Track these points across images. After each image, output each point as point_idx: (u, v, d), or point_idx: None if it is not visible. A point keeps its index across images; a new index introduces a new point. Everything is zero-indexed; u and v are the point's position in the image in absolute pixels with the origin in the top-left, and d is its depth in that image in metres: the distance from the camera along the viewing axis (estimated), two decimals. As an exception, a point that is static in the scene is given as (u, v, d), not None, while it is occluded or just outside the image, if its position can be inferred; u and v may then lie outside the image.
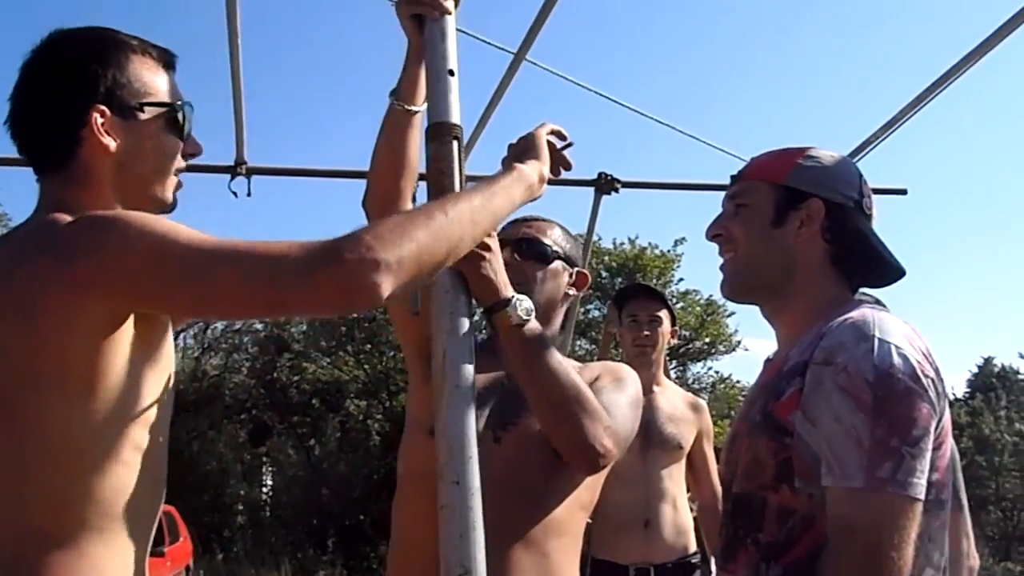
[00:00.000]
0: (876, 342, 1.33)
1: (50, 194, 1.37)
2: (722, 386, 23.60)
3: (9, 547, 1.23)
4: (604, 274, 22.97)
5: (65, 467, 1.24)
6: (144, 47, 1.43)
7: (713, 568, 3.56)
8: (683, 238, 23.09)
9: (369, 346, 21.64)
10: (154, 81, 1.42)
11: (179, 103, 1.44)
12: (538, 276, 1.87)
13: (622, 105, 4.12)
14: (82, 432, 1.24)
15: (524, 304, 1.60)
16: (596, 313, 22.14)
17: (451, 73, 1.46)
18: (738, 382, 23.50)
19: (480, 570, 1.28)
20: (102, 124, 1.34)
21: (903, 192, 4.68)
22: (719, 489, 3.50)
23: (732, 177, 1.66)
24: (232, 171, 4.02)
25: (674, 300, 23.15)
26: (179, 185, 1.49)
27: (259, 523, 21.40)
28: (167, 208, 1.46)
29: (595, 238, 24.67)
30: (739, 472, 1.48)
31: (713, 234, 1.63)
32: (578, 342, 20.25)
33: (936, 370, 1.38)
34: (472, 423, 1.34)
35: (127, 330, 1.26)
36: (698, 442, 3.53)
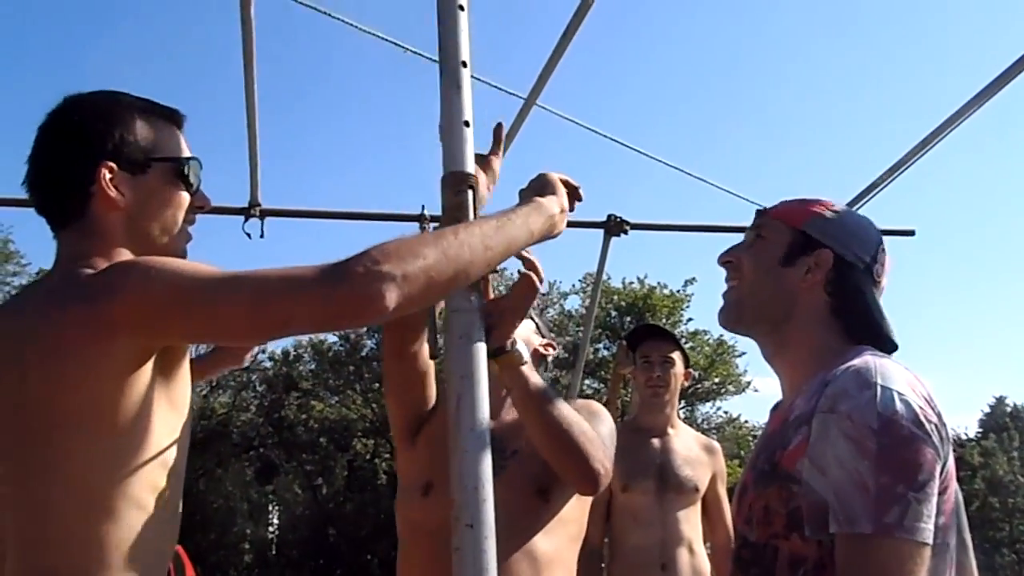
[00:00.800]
0: (879, 389, 1.34)
1: (67, 248, 1.42)
2: (731, 427, 23.51)
3: None
4: (613, 313, 23.01)
5: (86, 507, 1.27)
6: (151, 107, 1.49)
7: None
8: (693, 278, 23.19)
9: (377, 384, 21.65)
10: (160, 138, 1.47)
11: (186, 158, 1.50)
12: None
13: (631, 148, 4.16)
14: (104, 472, 1.27)
15: (522, 346, 1.67)
16: (605, 352, 22.15)
17: (466, 124, 1.50)
18: (747, 422, 23.42)
19: None
20: (111, 179, 1.40)
21: (911, 233, 4.70)
22: (732, 532, 3.50)
23: (757, 211, 1.70)
24: (246, 213, 4.07)
25: (684, 340, 23.08)
26: (189, 237, 1.53)
27: (265, 562, 21.28)
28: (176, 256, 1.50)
29: (604, 277, 24.82)
30: (753, 521, 1.48)
31: (724, 260, 1.66)
32: (586, 381, 20.22)
33: (939, 415, 1.39)
34: (487, 466, 1.36)
35: (148, 371, 1.30)
36: (712, 485, 3.52)
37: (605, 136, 4.06)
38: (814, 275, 1.57)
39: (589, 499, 1.98)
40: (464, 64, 1.50)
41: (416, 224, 4.16)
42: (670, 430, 3.48)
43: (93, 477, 1.27)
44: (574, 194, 1.66)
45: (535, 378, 1.77)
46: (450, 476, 1.37)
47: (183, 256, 1.52)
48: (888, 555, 1.28)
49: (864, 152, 36.16)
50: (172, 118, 1.52)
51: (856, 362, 1.42)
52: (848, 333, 1.57)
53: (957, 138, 3.73)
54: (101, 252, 1.39)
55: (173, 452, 1.37)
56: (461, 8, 1.52)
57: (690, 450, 3.48)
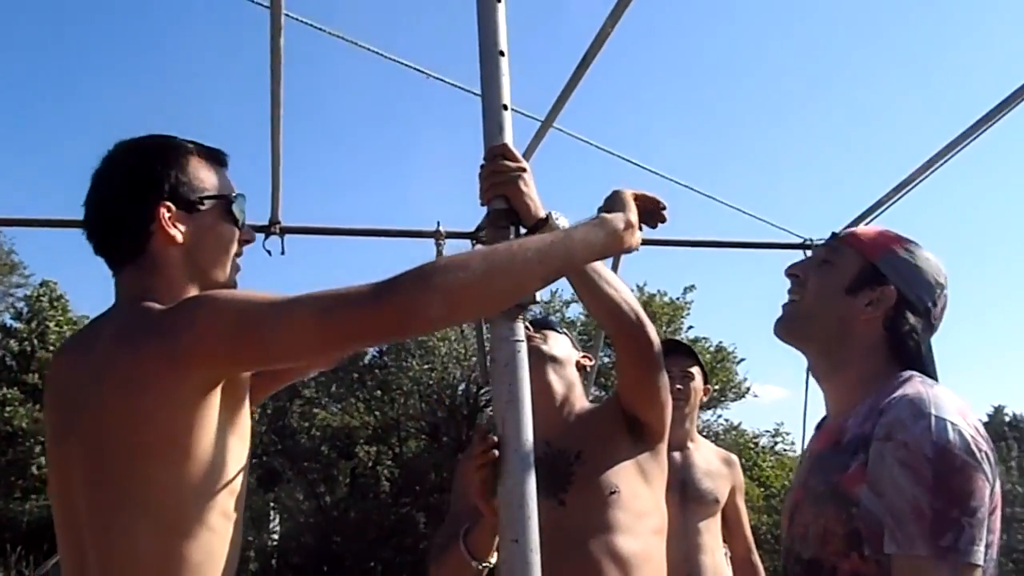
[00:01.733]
0: (933, 419, 1.43)
1: (128, 285, 1.53)
2: (731, 435, 23.53)
3: None
4: (614, 322, 23.08)
5: (164, 533, 1.36)
6: (199, 149, 1.60)
7: None
8: (692, 286, 23.22)
9: (380, 392, 21.70)
10: (210, 177, 1.59)
11: (234, 195, 1.61)
12: (549, 335, 2.22)
13: (640, 166, 4.27)
14: (178, 499, 1.36)
15: (562, 219, 1.66)
16: (606, 360, 22.19)
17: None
18: (747, 431, 23.45)
19: None
20: (169, 218, 1.51)
21: (914, 249, 4.82)
22: (752, 542, 3.59)
23: (832, 234, 1.77)
24: (266, 230, 4.18)
25: (684, 347, 23.20)
26: (238, 268, 1.64)
27: (269, 570, 21.27)
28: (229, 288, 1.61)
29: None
30: (809, 538, 1.57)
31: (791, 272, 1.76)
32: (591, 389, 20.27)
33: (987, 440, 1.47)
34: (532, 485, 1.47)
35: (216, 401, 1.39)
36: (732, 496, 3.63)
37: (613, 154, 4.18)
38: (875, 309, 1.66)
39: (661, 487, 2.07)
40: (505, 107, 1.61)
41: (432, 240, 4.27)
42: (690, 444, 3.60)
43: (170, 503, 1.36)
44: (656, 210, 1.72)
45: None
46: (499, 495, 1.47)
47: (234, 287, 1.62)
48: (950, 574, 1.36)
49: (871, 171, 36.28)
50: (219, 158, 1.63)
51: (909, 391, 1.51)
52: (898, 366, 1.65)
53: (962, 158, 3.83)
54: (163, 288, 1.50)
55: (240, 478, 1.47)
56: (502, 54, 1.62)
57: (710, 463, 3.59)
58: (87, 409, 1.39)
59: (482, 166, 1.60)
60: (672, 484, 3.48)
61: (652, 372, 1.96)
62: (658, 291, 23.16)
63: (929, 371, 1.65)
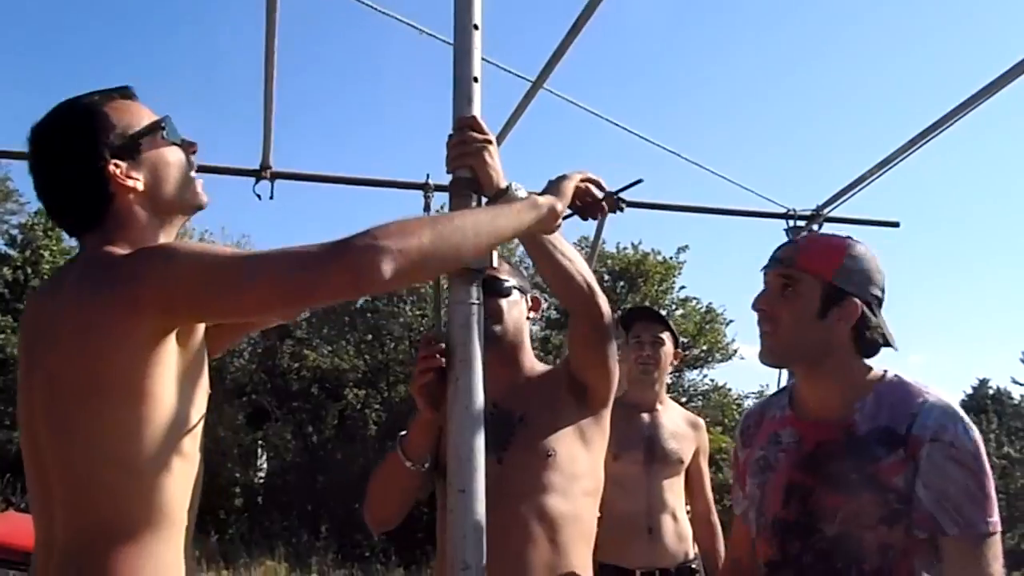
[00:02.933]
0: (965, 422, 1.80)
1: (95, 244, 1.57)
2: (716, 394, 23.76)
3: (78, 539, 1.45)
4: (607, 278, 23.15)
5: (122, 471, 1.45)
6: (107, 95, 1.63)
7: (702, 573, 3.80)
8: (686, 246, 23.28)
9: (370, 336, 21.85)
10: (132, 116, 1.62)
11: (159, 120, 1.64)
12: (504, 307, 2.19)
13: (630, 131, 4.33)
14: (136, 439, 1.44)
15: (521, 190, 1.75)
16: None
17: (475, 80, 1.67)
18: (731, 391, 23.68)
19: (480, 566, 1.50)
20: (121, 173, 1.56)
21: (896, 225, 4.90)
22: (712, 502, 3.74)
23: (779, 259, 1.93)
24: (257, 175, 4.24)
25: (674, 307, 23.29)
26: (201, 190, 1.69)
27: (254, 507, 21.58)
28: (202, 206, 1.68)
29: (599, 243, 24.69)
30: (838, 517, 1.82)
31: (759, 308, 1.94)
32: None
33: None
34: (480, 440, 1.56)
35: (169, 347, 1.47)
36: (696, 458, 3.79)
37: (601, 117, 4.23)
38: (846, 323, 1.89)
39: (601, 451, 2.20)
40: (476, 79, 1.67)
41: (421, 192, 4.33)
42: (658, 406, 3.75)
43: (120, 441, 1.44)
44: (597, 207, 1.90)
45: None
46: (447, 447, 1.57)
47: (205, 204, 1.68)
48: (996, 545, 1.75)
49: (853, 145, 36.20)
50: (126, 94, 1.65)
51: (931, 398, 1.84)
52: (865, 355, 1.93)
53: (946, 136, 3.89)
54: (131, 238, 1.55)
55: (193, 418, 1.54)
56: (476, 27, 1.68)
57: (676, 425, 3.75)
58: (49, 349, 1.47)
59: (450, 136, 1.67)
60: (639, 443, 3.63)
61: (603, 342, 2.05)
62: (652, 250, 23.22)
63: (887, 344, 1.95)
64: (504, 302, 2.20)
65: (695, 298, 23.52)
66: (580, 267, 1.97)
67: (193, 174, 1.67)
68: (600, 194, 1.90)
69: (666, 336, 3.77)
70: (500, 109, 3.86)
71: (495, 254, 1.66)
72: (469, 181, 1.66)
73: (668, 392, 3.93)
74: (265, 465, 24.03)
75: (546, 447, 2.07)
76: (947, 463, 1.75)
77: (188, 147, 1.67)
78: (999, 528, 1.75)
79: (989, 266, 48.02)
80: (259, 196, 4.30)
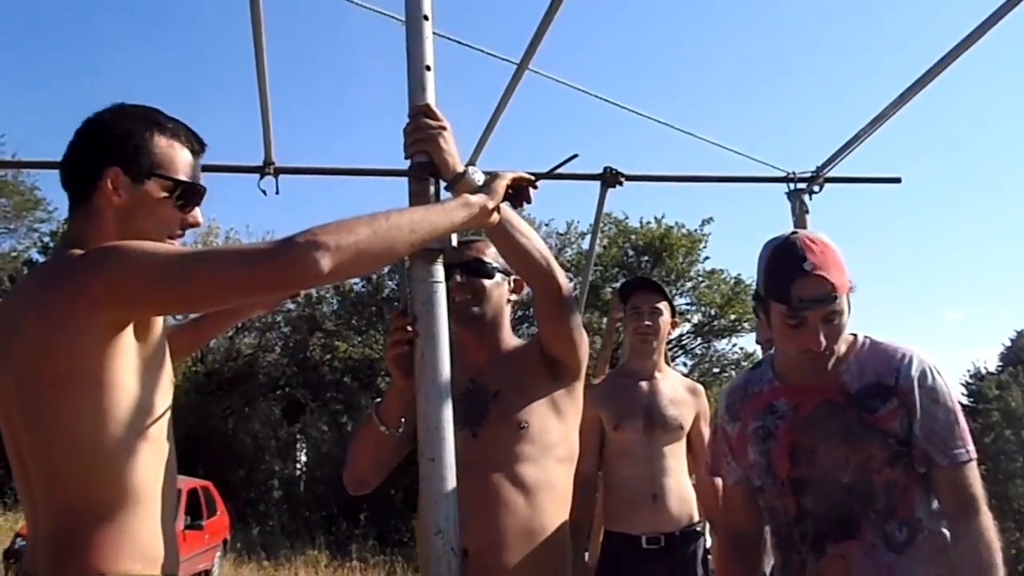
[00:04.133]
0: (938, 370, 2.06)
1: (69, 229, 1.70)
2: (747, 363, 23.72)
3: (55, 524, 1.55)
4: (631, 252, 23.18)
5: (90, 456, 1.54)
6: (176, 129, 1.75)
7: (708, 535, 3.86)
8: (710, 218, 23.24)
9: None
10: (171, 158, 1.73)
11: (186, 182, 1.74)
12: (486, 289, 2.26)
13: (619, 106, 4.37)
14: (101, 425, 1.54)
15: (478, 173, 1.82)
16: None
17: (428, 68, 1.75)
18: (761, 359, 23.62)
19: (451, 530, 1.58)
20: (114, 181, 1.67)
21: (897, 180, 4.90)
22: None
23: (820, 299, 2.00)
24: (261, 171, 4.33)
25: (700, 279, 23.27)
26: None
27: (294, 498, 21.89)
28: None
29: (622, 217, 24.48)
30: (849, 466, 2.04)
31: (827, 352, 2.06)
32: (604, 319, 20.45)
33: None
34: (447, 410, 1.64)
35: (128, 338, 1.56)
36: (696, 423, 3.82)
37: (596, 96, 4.28)
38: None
39: (575, 420, 2.27)
40: (428, 68, 1.74)
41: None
42: (657, 374, 3.79)
43: (87, 427, 1.53)
44: (524, 195, 1.92)
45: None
46: (417, 418, 1.65)
47: None
48: (975, 468, 2.04)
49: (846, 104, 35.85)
50: (190, 143, 1.77)
51: (906, 350, 2.09)
52: None
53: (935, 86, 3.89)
54: (94, 237, 1.65)
55: (158, 404, 1.64)
56: (426, 18, 1.75)
57: (675, 392, 3.79)
58: (15, 342, 1.57)
59: (407, 124, 1.74)
60: (638, 412, 3.69)
61: (565, 315, 2.13)
62: (676, 223, 23.20)
63: None
64: (487, 283, 2.27)
65: (722, 269, 23.49)
66: (537, 244, 2.04)
67: (175, 240, 1.76)
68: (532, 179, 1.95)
69: (663, 306, 3.82)
70: (491, 92, 3.92)
71: (455, 237, 1.74)
72: (427, 166, 1.73)
73: (698, 363, 3.99)
74: (303, 457, 24.35)
75: (519, 419, 2.15)
76: (931, 405, 2.02)
77: (191, 219, 1.76)
78: (975, 455, 2.05)
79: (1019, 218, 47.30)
80: (264, 192, 4.39)
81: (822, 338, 2.00)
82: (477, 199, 1.74)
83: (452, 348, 1.75)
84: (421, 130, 1.73)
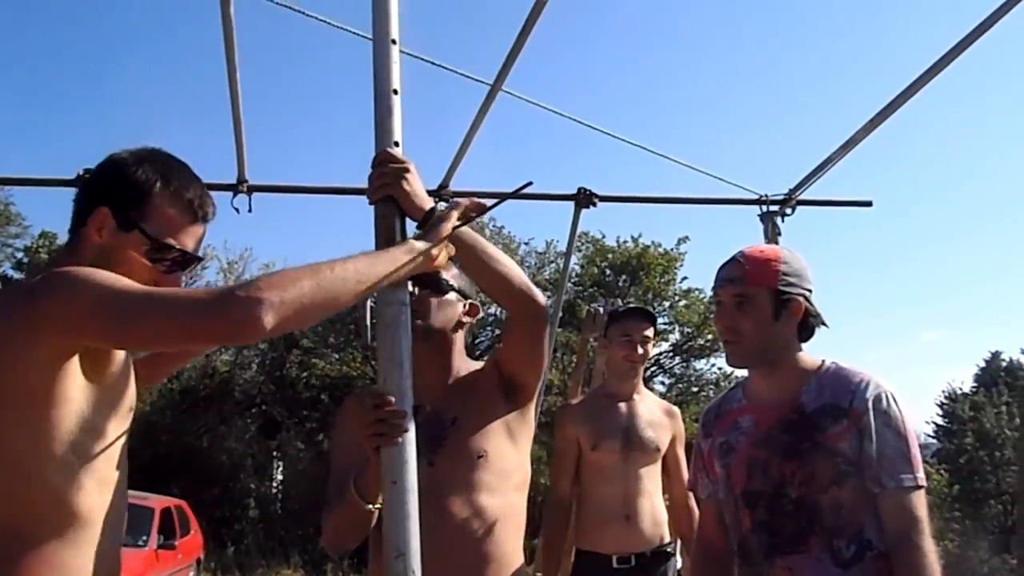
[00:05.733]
0: (893, 395, 2.12)
1: (60, 251, 1.73)
2: (725, 383, 23.79)
3: None
4: (608, 272, 23.22)
5: (28, 479, 1.53)
6: (186, 189, 1.76)
7: (679, 556, 3.89)
8: (686, 237, 23.31)
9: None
10: (165, 216, 1.73)
11: (170, 245, 1.74)
12: (433, 304, 2.24)
13: (593, 128, 4.39)
14: (41, 449, 1.53)
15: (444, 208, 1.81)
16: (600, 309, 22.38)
17: (396, 144, 1.75)
18: (739, 378, 23.72)
19: (414, 553, 1.58)
20: (102, 220, 1.69)
21: (868, 204, 4.95)
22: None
23: (729, 279, 2.22)
24: (234, 188, 4.32)
25: (677, 298, 23.35)
26: None
27: (269, 517, 21.69)
28: None
29: (598, 235, 24.48)
30: (792, 482, 2.12)
31: (724, 325, 2.24)
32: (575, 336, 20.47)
33: None
34: (410, 435, 1.64)
35: (74, 366, 1.55)
36: (672, 445, 3.87)
37: (570, 118, 4.30)
38: (795, 319, 2.22)
39: (527, 444, 2.26)
40: (395, 92, 1.74)
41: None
42: (636, 396, 3.84)
43: (26, 449, 1.52)
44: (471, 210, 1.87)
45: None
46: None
47: None
48: (923, 496, 2.09)
49: (818, 127, 36.30)
50: (199, 210, 1.78)
51: (865, 376, 2.16)
52: (804, 340, 2.27)
53: (907, 110, 3.93)
54: (70, 263, 1.64)
55: (109, 432, 1.63)
56: (394, 42, 1.75)
57: (653, 414, 3.84)
58: None
59: (370, 171, 1.75)
60: (616, 433, 3.73)
61: (542, 335, 2.13)
62: (652, 242, 23.27)
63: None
64: (435, 300, 2.24)
65: (699, 288, 23.57)
66: (514, 268, 2.04)
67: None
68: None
69: (651, 333, 3.89)
70: (465, 113, 3.93)
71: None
72: (393, 208, 1.74)
73: (677, 382, 4.04)
74: (279, 475, 24.16)
75: (477, 449, 2.14)
76: (884, 429, 2.08)
77: (169, 281, 1.75)
78: (924, 483, 2.10)
79: (1006, 241, 47.88)
80: (237, 210, 4.37)
81: (729, 318, 2.20)
82: (421, 245, 1.73)
83: None
84: (385, 175, 1.73)
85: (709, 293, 20.95)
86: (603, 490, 3.72)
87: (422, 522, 1.61)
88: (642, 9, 40.45)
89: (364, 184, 1.80)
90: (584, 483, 3.82)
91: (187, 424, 21.81)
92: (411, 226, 1.78)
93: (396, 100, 1.74)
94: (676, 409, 4.02)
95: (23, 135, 34.71)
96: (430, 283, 2.21)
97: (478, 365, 2.32)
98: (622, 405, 3.83)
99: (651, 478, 3.76)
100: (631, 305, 4.16)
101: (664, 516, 3.79)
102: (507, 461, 2.18)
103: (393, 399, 1.67)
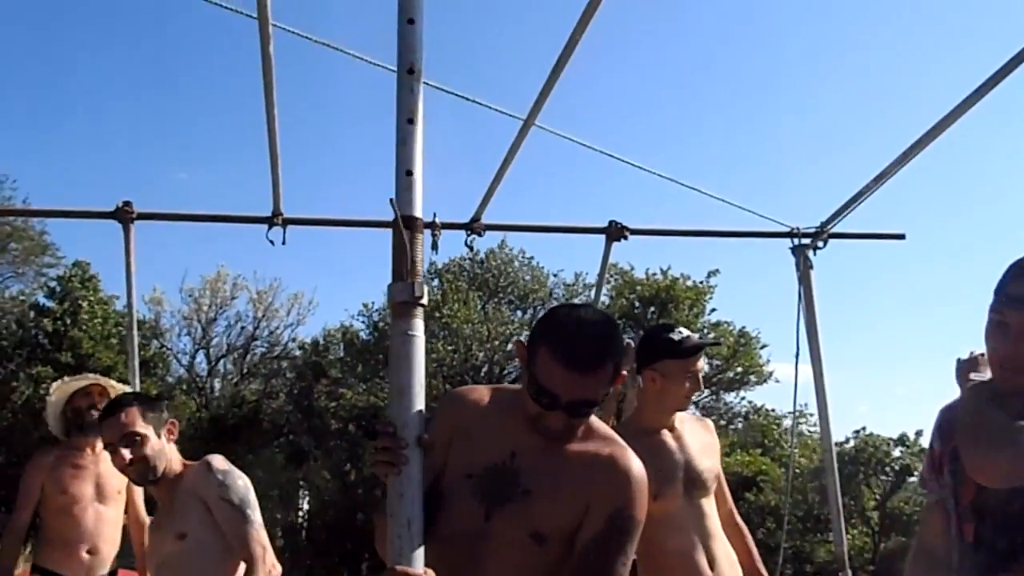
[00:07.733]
0: None
1: None
2: (756, 416, 23.62)
3: None
4: (637, 304, 23.18)
5: None
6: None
7: None
8: (716, 270, 23.28)
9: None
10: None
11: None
12: (573, 426, 1.96)
13: (624, 161, 4.41)
14: None
15: None
16: (628, 341, 22.32)
17: (408, 173, 1.77)
18: (772, 411, 23.50)
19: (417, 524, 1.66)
20: None
21: (901, 237, 4.92)
22: (732, 502, 3.55)
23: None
24: (269, 222, 4.38)
25: (705, 330, 23.25)
26: None
27: (296, 547, 21.69)
28: None
29: (627, 268, 24.45)
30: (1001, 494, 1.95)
31: (1012, 355, 1.97)
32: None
33: None
34: (413, 472, 1.70)
35: None
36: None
37: (601, 152, 4.32)
38: None
39: None
40: (409, 173, 1.78)
41: (429, 230, 4.44)
42: (677, 424, 3.34)
43: None
44: None
45: None
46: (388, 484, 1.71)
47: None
48: None
49: (851, 160, 35.99)
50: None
51: None
52: None
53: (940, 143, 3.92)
54: None
55: None
56: (411, 121, 1.79)
57: (696, 436, 3.40)
58: None
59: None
60: (676, 475, 3.18)
61: None
62: (681, 275, 23.24)
63: None
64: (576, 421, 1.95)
65: (728, 321, 23.47)
66: None
67: None
68: None
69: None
70: (498, 146, 3.98)
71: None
72: (412, 220, 1.78)
73: (706, 415, 3.85)
74: (306, 505, 24.17)
75: (533, 527, 1.88)
76: None
77: None
78: None
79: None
80: (272, 242, 4.43)
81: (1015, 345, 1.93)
82: None
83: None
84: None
85: (738, 326, 20.88)
86: (676, 542, 3.20)
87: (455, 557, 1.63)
88: (672, 43, 40.64)
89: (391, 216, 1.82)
90: (646, 539, 3.21)
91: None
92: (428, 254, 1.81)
93: (412, 129, 1.76)
94: (709, 421, 3.66)
95: (61, 167, 35.44)
96: (579, 411, 1.93)
97: (601, 441, 2.05)
98: (670, 441, 3.32)
99: (713, 510, 3.30)
100: (696, 340, 3.69)
101: (733, 555, 3.47)
102: (565, 554, 1.92)
103: (395, 427, 1.71)
